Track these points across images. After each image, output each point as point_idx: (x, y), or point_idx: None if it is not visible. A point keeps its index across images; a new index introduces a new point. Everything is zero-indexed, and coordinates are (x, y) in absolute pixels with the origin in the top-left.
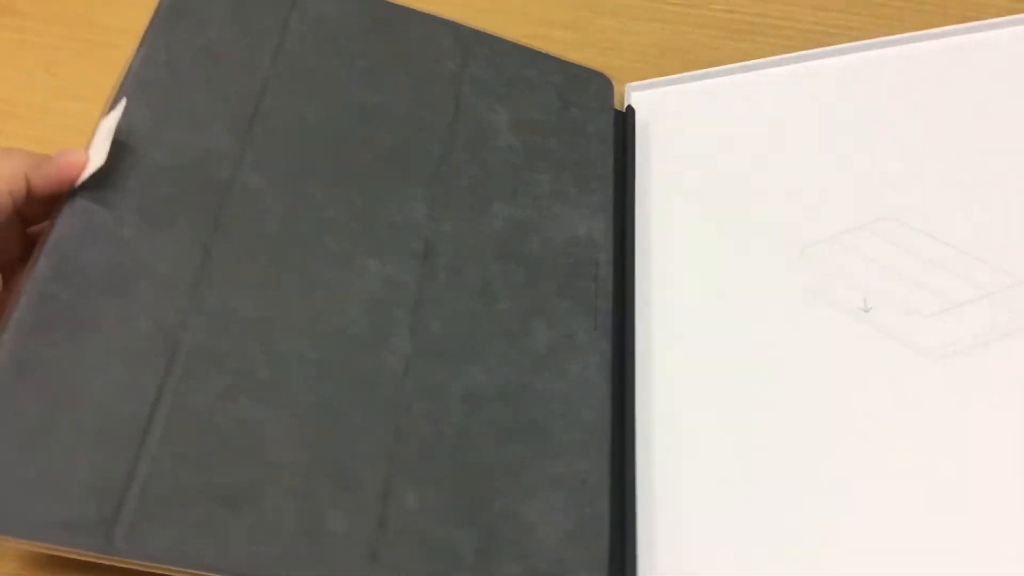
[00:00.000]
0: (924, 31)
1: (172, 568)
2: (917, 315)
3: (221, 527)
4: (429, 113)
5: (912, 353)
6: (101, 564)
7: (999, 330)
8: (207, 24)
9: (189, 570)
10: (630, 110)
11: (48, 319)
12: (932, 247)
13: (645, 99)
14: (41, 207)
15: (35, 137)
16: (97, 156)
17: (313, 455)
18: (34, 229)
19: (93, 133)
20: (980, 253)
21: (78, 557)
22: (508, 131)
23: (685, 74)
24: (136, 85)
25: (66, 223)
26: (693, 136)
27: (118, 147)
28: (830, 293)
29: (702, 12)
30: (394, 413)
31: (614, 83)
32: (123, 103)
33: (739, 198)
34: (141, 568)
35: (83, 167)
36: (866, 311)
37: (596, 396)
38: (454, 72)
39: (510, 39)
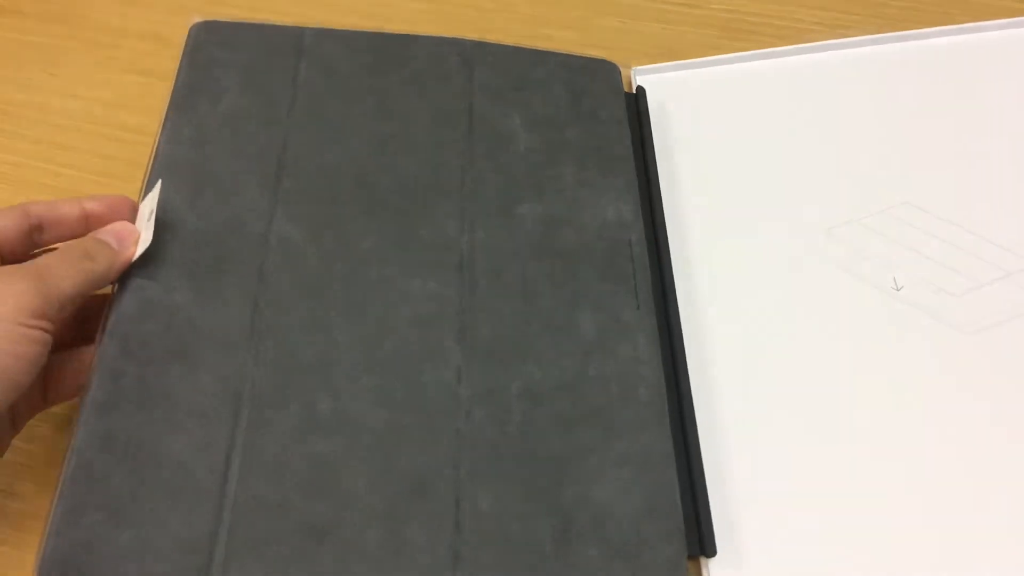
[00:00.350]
0: (936, 28)
1: None
2: (945, 293)
3: (308, 558)
4: (445, 131)
5: (946, 328)
6: None
7: (1021, 307)
8: (222, 94)
9: None
10: (640, 90)
11: (120, 394)
12: (948, 230)
13: (651, 83)
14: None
15: (35, 137)
16: (144, 237)
17: (384, 475)
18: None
19: (136, 215)
20: (990, 236)
21: None
22: (524, 132)
23: (690, 60)
24: (167, 164)
25: (123, 303)
26: (702, 118)
27: (159, 223)
28: (861, 272)
29: (702, 12)
30: (454, 421)
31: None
32: (159, 185)
33: (757, 179)
34: None
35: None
36: (897, 289)
37: (650, 372)
38: (463, 87)
39: (512, 43)
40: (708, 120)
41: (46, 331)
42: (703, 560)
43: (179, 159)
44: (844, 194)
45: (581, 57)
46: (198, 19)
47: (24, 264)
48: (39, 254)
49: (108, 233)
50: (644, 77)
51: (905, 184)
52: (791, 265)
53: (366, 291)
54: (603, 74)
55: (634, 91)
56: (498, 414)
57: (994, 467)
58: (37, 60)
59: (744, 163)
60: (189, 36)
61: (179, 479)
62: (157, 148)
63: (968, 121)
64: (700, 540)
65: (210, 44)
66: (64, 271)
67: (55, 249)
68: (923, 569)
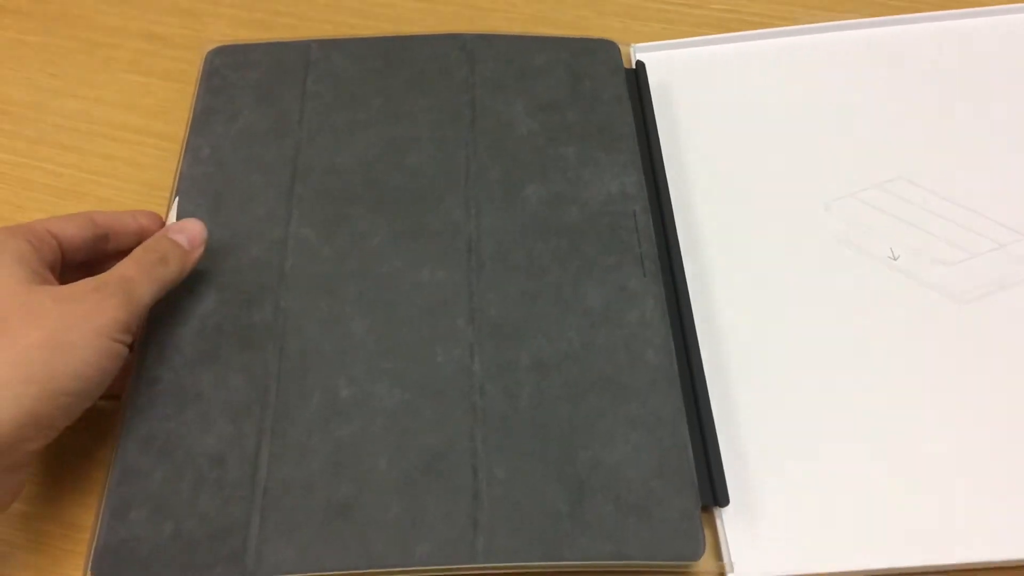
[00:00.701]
0: (932, 12)
1: None
2: (941, 264)
3: (336, 534)
4: (449, 125)
5: (941, 296)
6: None
7: (1014, 277)
8: (237, 113)
9: None
10: (640, 65)
11: (158, 398)
12: (943, 204)
13: (652, 60)
14: None
15: (35, 137)
16: None
17: (403, 452)
18: None
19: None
20: (983, 210)
21: None
22: (527, 118)
23: (690, 39)
24: (188, 183)
25: (157, 313)
26: (702, 95)
27: None
28: (860, 243)
29: (702, 12)
30: (469, 396)
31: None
32: (176, 203)
33: (758, 155)
34: None
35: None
36: (895, 259)
37: (658, 336)
38: (465, 79)
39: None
40: (708, 97)
41: (126, 345)
42: (716, 511)
43: (200, 178)
44: (842, 169)
45: (578, 39)
46: (211, 46)
47: (108, 276)
48: (100, 260)
49: (181, 233)
50: (645, 54)
51: (900, 160)
52: (792, 236)
53: (378, 284)
54: (603, 54)
55: (634, 67)
56: (509, 386)
57: (981, 424)
58: (37, 60)
59: (744, 139)
60: (205, 62)
61: (214, 472)
62: (180, 171)
63: (960, 100)
64: (713, 490)
65: (224, 68)
66: (144, 280)
67: (122, 253)
68: (927, 519)
